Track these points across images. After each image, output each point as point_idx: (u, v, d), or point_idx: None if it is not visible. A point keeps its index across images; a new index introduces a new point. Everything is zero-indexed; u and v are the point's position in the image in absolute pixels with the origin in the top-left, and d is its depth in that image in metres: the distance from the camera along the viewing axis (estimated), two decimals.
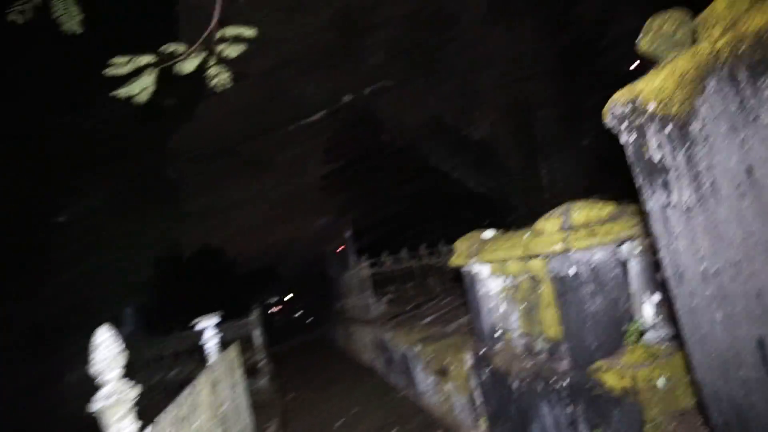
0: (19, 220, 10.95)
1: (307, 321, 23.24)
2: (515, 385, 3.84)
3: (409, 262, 11.80)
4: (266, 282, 24.48)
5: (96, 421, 2.06)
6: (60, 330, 10.73)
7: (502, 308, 4.32)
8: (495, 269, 4.27)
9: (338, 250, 17.22)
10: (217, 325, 4.99)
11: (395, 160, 14.35)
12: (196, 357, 9.03)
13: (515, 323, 4.15)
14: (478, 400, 4.64)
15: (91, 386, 2.12)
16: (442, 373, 5.98)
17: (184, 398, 2.96)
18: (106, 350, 1.94)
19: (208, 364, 4.43)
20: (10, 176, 10.69)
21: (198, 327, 4.90)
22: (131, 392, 1.98)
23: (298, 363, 12.76)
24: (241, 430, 4.96)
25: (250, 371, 8.90)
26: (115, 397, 1.85)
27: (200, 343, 7.93)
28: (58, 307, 10.86)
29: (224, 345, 5.30)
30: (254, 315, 10.91)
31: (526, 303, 3.98)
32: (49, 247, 11.32)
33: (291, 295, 26.11)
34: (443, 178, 13.51)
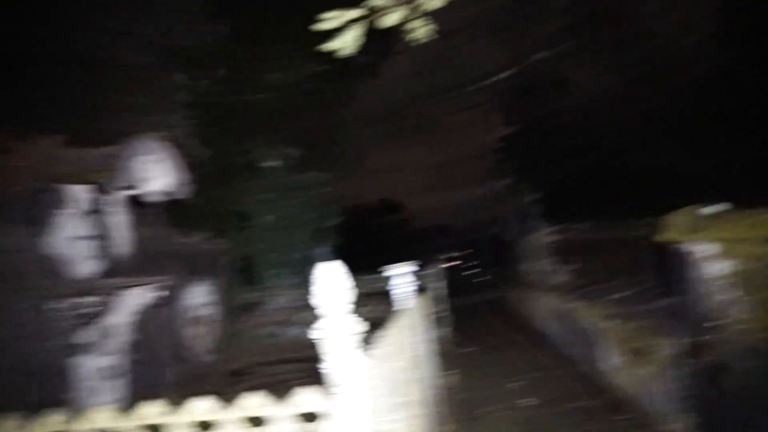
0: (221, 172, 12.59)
1: (480, 280, 23.28)
2: (739, 385, 3.34)
3: (595, 232, 10.97)
4: (441, 238, 25.02)
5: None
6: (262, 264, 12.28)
7: (725, 295, 3.75)
8: (724, 250, 3.70)
9: (516, 214, 16.72)
10: (407, 274, 5.16)
11: (575, 127, 13.27)
12: (383, 300, 9.66)
13: (741, 314, 3.58)
14: (682, 392, 4.17)
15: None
16: (635, 355, 5.51)
17: (386, 338, 3.11)
18: (338, 284, 2.07)
19: (401, 308, 4.64)
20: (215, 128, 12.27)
21: (389, 273, 5.13)
22: (359, 326, 2.10)
23: (472, 321, 12.84)
24: (429, 375, 5.21)
25: (432, 321, 9.22)
26: (344, 330, 1.97)
27: (387, 288, 8.41)
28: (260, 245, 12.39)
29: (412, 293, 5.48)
30: (435, 268, 11.19)
31: (761, 293, 3.39)
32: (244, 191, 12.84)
33: (464, 253, 26.37)
34: (625, 149, 12.16)
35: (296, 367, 8.92)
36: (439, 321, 10.07)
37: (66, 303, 5.38)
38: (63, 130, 6.07)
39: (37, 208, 5.41)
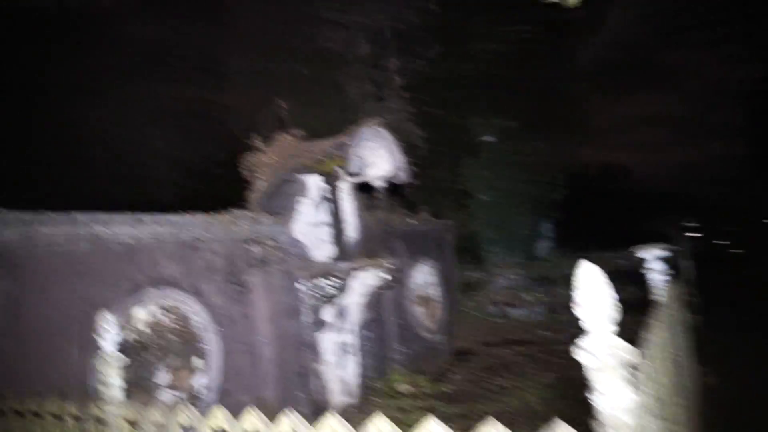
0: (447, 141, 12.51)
1: (733, 254, 19.70)
2: None
3: None
4: (679, 207, 21.76)
5: None
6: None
7: None
8: None
9: None
10: (659, 255, 4.35)
11: None
12: (619, 282, 8.69)
13: None
14: None
15: None
16: None
17: (648, 336, 2.56)
18: (597, 294, 1.60)
19: (656, 298, 3.94)
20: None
21: (640, 254, 4.38)
22: (625, 354, 1.61)
23: (730, 304, 10.77)
24: (689, 376, 4.39)
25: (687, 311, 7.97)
26: (604, 355, 1.52)
27: (625, 268, 7.45)
28: (482, 223, 12.13)
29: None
30: (680, 245, 9.65)
31: None
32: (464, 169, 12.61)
33: (711, 224, 22.49)
34: None
35: (521, 350, 8.54)
36: (690, 307, 8.65)
37: (310, 284, 5.86)
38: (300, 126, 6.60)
39: (282, 198, 5.96)
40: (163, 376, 4.26)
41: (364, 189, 7.14)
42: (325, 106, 11.05)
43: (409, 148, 11.57)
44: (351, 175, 6.23)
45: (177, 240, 4.54)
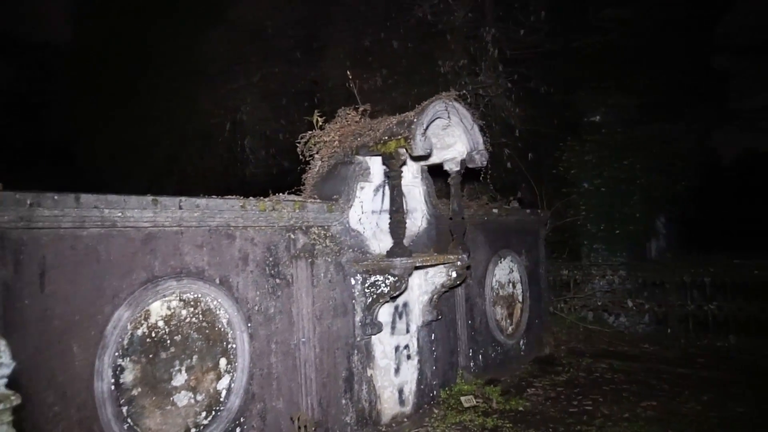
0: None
1: None
2: None
3: None
4: None
5: None
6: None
7: None
8: None
9: None
10: None
11: None
12: (747, 294, 7.14)
13: None
14: None
15: None
16: None
17: None
18: None
19: None
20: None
21: None
22: None
23: None
24: None
25: None
26: None
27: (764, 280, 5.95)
28: (585, 215, 10.71)
29: None
30: None
31: None
32: (568, 152, 11.19)
33: None
34: None
35: (619, 365, 7.32)
36: None
37: (365, 279, 5.23)
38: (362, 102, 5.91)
39: (339, 182, 5.35)
40: (181, 378, 3.86)
41: (437, 173, 6.33)
42: (413, 82, 10.26)
43: (504, 126, 10.48)
44: (417, 157, 5.45)
45: (205, 226, 4.08)
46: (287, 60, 13.04)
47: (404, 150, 5.15)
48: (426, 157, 5.69)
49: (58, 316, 3.29)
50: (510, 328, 7.34)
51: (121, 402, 3.51)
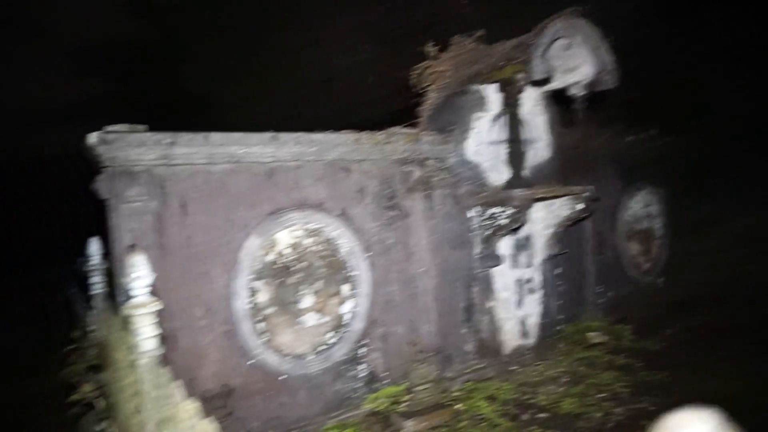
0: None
1: None
2: None
3: None
4: None
5: None
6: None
7: None
8: None
9: None
10: None
11: None
12: None
13: None
14: None
15: None
16: None
17: None
18: None
19: None
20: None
21: None
22: None
23: None
24: None
25: None
26: None
27: None
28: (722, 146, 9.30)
29: None
30: None
31: None
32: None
33: None
34: None
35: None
36: None
37: (485, 212, 5.14)
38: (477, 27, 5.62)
39: (455, 113, 5.23)
40: (307, 301, 4.17)
41: (560, 99, 5.89)
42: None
43: (635, 47, 9.36)
44: (536, 82, 5.11)
45: (322, 160, 4.26)
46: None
47: (522, 75, 4.86)
48: (547, 81, 5.31)
49: (199, 242, 3.70)
50: (646, 265, 6.81)
51: (257, 319, 3.91)
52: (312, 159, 4.21)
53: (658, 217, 7.00)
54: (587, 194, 5.35)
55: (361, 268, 4.43)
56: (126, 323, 2.30)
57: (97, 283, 4.48)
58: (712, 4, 10.04)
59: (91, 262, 4.49)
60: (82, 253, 4.65)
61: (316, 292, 4.21)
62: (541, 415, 4.33)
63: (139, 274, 2.19)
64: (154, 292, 2.31)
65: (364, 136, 4.47)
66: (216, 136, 3.72)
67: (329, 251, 4.30)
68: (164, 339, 2.48)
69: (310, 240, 4.20)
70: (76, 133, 3.49)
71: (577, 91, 5.45)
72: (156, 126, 3.56)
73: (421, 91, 5.69)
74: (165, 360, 2.32)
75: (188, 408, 1.90)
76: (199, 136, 3.65)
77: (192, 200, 3.68)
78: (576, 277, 6.04)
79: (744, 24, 10.09)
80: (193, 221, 3.68)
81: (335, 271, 4.33)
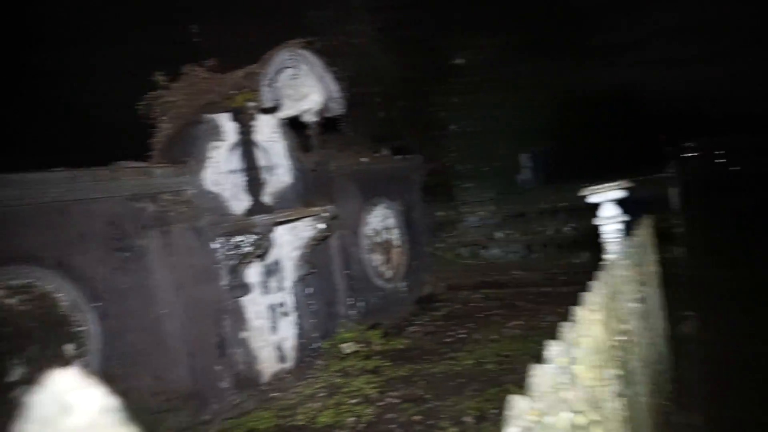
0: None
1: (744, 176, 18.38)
2: None
3: None
4: (687, 124, 20.23)
5: None
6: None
7: None
8: None
9: None
10: (624, 190, 3.48)
11: None
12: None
13: None
14: None
15: None
16: None
17: (608, 275, 2.23)
18: None
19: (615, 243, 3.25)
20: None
21: (590, 200, 3.52)
22: None
23: (728, 232, 9.95)
24: (659, 310, 3.73)
25: (663, 238, 7.16)
26: None
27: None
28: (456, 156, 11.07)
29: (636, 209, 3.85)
30: (671, 169, 8.72)
31: None
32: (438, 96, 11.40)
33: (722, 140, 20.87)
34: None
35: (490, 293, 7.85)
36: (673, 237, 7.83)
37: (227, 242, 5.07)
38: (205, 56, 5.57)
39: (191, 144, 5.06)
40: (18, 372, 3.56)
41: (299, 126, 6.19)
42: (273, 33, 9.82)
43: (372, 72, 10.43)
44: (267, 110, 5.27)
45: (30, 204, 3.70)
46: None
47: (253, 103, 4.96)
48: (274, 110, 5.51)
49: None
50: (389, 273, 7.55)
51: None
52: (16, 204, 3.62)
53: (395, 228, 7.82)
54: (327, 214, 5.70)
55: (87, 322, 3.96)
56: None
57: None
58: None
59: None
60: None
61: (29, 361, 3.62)
62: None
63: None
64: None
65: (82, 173, 4.03)
66: None
67: (43, 309, 3.75)
68: None
69: (14, 300, 3.60)
70: None
71: (309, 118, 5.79)
72: None
73: (151, 123, 5.38)
74: None
75: None
76: None
77: None
78: (327, 294, 6.38)
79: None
80: None
81: (53, 330, 3.79)
